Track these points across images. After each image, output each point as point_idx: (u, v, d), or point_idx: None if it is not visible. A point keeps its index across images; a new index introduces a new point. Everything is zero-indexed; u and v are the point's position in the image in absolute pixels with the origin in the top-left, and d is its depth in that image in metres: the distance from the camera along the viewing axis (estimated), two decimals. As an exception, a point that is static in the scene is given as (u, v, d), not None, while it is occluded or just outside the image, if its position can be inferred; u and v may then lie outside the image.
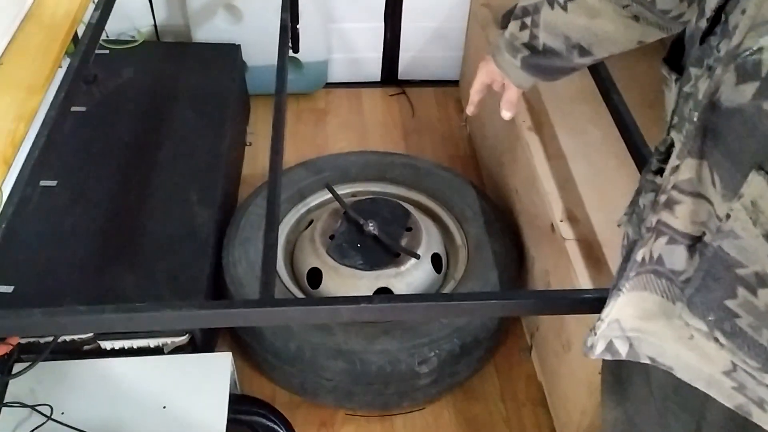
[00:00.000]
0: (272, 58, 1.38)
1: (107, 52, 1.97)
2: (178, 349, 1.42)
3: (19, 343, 1.32)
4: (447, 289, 1.57)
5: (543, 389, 1.57)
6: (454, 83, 2.40)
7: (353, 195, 1.78)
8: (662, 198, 0.65)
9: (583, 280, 1.28)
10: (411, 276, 1.54)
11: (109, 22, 1.41)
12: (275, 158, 1.17)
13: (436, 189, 1.77)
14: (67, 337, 1.37)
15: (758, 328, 0.60)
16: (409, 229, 1.63)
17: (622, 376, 0.87)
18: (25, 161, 1.07)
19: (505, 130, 1.75)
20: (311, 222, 1.69)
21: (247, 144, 2.12)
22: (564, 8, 0.92)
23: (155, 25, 2.16)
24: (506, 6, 1.83)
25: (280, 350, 1.45)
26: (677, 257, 0.66)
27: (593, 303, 0.86)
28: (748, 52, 0.53)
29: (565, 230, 1.37)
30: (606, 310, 0.73)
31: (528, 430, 1.54)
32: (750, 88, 0.53)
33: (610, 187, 1.40)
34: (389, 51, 2.34)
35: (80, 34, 1.38)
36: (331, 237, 1.60)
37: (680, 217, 0.64)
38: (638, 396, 0.84)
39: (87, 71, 1.43)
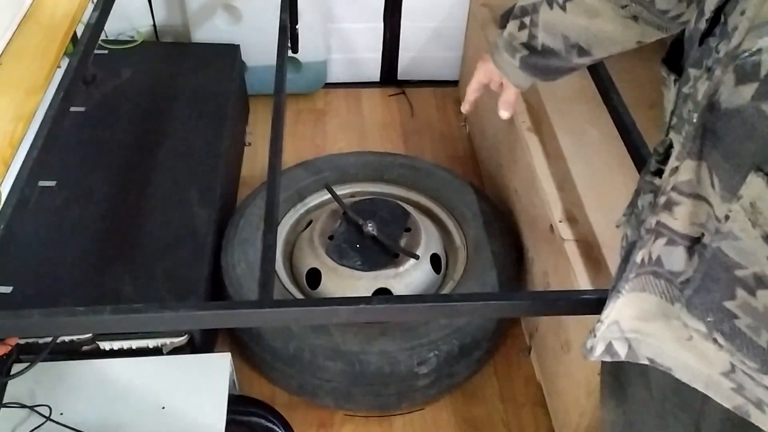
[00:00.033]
0: (271, 59, 1.38)
1: (106, 52, 1.97)
2: (177, 350, 1.42)
3: (18, 344, 1.32)
4: (446, 290, 1.57)
5: (542, 390, 1.57)
6: (454, 83, 2.40)
7: (352, 195, 1.78)
8: (661, 199, 0.64)
9: (582, 280, 1.28)
10: (410, 277, 1.54)
11: (108, 22, 1.41)
12: (274, 158, 1.17)
13: (435, 189, 1.77)
14: (66, 338, 1.37)
15: (757, 329, 0.60)
16: (408, 230, 1.63)
17: (621, 377, 0.87)
18: (24, 161, 1.07)
19: (505, 131, 1.75)
20: (310, 222, 1.69)
21: (247, 144, 2.12)
22: (563, 8, 0.92)
23: (154, 26, 2.16)
24: (506, 6, 1.83)
25: (279, 351, 1.45)
26: (676, 258, 0.66)
27: (592, 304, 0.86)
28: (747, 53, 0.53)
29: (564, 231, 1.37)
30: (605, 312, 0.73)
31: (527, 431, 1.54)
32: (749, 90, 0.53)
33: (609, 188, 1.40)
34: (388, 51, 2.34)
35: (79, 34, 1.38)
36: (330, 237, 1.60)
37: (679, 219, 0.64)
38: (637, 397, 0.84)
39: (86, 71, 1.43)
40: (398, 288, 1.52)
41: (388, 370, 1.41)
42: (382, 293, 1.51)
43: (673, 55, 0.69)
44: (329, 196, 1.70)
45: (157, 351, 1.42)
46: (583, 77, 1.42)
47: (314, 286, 1.56)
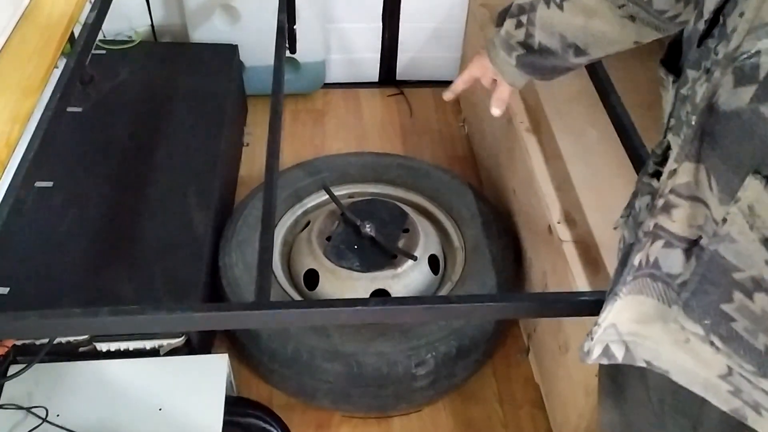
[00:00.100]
0: (270, 59, 1.38)
1: (104, 52, 1.96)
2: (174, 351, 1.42)
3: (14, 345, 1.32)
4: (444, 291, 1.57)
5: (540, 391, 1.57)
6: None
7: (350, 196, 1.77)
8: (659, 202, 0.64)
9: (580, 281, 1.28)
10: (408, 278, 1.54)
11: (105, 22, 1.40)
12: (272, 159, 1.17)
13: (434, 190, 1.77)
14: (63, 339, 1.37)
15: (754, 332, 0.59)
16: (407, 231, 1.63)
17: (618, 379, 0.87)
18: (21, 162, 1.07)
19: (503, 131, 1.75)
20: (308, 223, 1.69)
21: (245, 145, 2.12)
22: (560, 7, 0.92)
23: (152, 26, 2.16)
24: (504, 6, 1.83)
25: (277, 352, 1.44)
26: (674, 261, 0.66)
27: (590, 305, 0.86)
28: (746, 55, 0.53)
29: (563, 232, 1.37)
30: (603, 315, 0.73)
31: (525, 432, 1.54)
32: (748, 92, 0.53)
33: (608, 189, 1.40)
34: (387, 51, 2.34)
35: (77, 34, 1.38)
36: (328, 238, 1.59)
37: (677, 221, 0.64)
38: (635, 399, 0.84)
39: (83, 72, 1.43)
40: (396, 289, 1.52)
41: (386, 371, 1.41)
42: (380, 294, 1.51)
43: (672, 56, 0.69)
44: (327, 196, 1.70)
45: (154, 352, 1.41)
46: (582, 78, 1.42)
47: (312, 288, 1.56)
